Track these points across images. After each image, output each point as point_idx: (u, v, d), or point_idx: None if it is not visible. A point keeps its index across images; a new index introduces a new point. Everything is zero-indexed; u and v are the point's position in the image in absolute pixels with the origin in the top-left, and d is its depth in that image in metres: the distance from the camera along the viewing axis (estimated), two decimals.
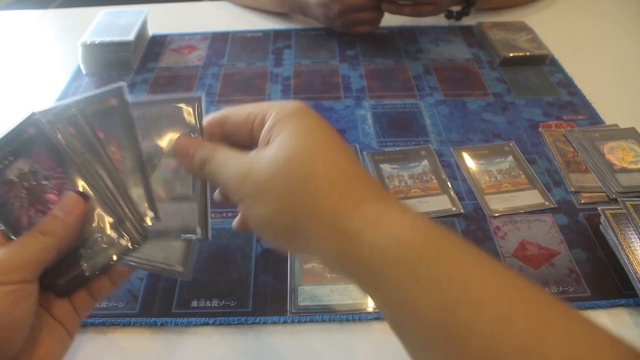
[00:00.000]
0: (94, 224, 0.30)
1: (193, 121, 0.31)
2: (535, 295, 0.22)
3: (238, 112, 0.31)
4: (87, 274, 0.30)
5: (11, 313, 0.26)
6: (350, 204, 0.25)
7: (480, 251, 0.24)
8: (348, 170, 0.26)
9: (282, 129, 0.27)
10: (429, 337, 0.23)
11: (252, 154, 0.28)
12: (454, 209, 0.44)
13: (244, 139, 0.30)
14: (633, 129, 0.50)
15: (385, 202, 0.25)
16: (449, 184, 0.46)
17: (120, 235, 0.30)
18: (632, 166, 0.46)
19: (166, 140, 0.31)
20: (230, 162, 0.28)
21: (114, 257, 0.30)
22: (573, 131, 0.51)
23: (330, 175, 0.25)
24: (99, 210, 0.30)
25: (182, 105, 0.31)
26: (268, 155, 0.26)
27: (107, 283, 0.31)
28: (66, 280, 0.30)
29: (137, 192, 0.31)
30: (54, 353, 0.29)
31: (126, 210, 0.30)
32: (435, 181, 0.46)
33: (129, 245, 0.30)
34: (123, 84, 0.31)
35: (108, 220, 0.30)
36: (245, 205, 0.27)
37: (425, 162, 0.48)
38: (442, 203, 0.44)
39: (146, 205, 0.31)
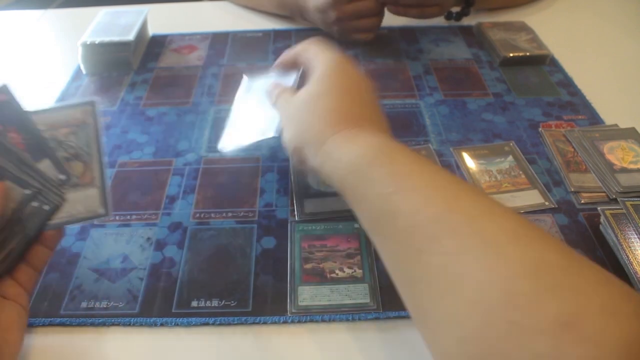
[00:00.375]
0: (14, 202, 0.33)
1: (89, 120, 0.37)
2: (458, 185, 0.28)
3: (305, 48, 0.43)
4: (19, 248, 0.32)
5: None
6: (335, 129, 0.34)
7: (426, 159, 0.31)
8: (345, 106, 0.36)
9: (316, 72, 0.39)
10: (375, 223, 0.30)
11: (295, 94, 0.39)
12: None
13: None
14: (633, 129, 0.50)
15: (365, 129, 0.34)
16: None
17: (42, 202, 0.33)
18: (632, 166, 0.46)
19: (64, 131, 0.36)
20: (286, 101, 0.40)
21: (43, 223, 0.33)
22: (573, 131, 0.51)
23: (330, 109, 0.36)
24: (15, 187, 0.33)
25: (78, 108, 0.37)
26: (303, 92, 0.38)
27: (43, 250, 0.34)
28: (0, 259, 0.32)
29: (44, 164, 0.34)
30: (12, 324, 0.32)
31: (39, 180, 0.34)
32: None
33: (50, 207, 0.34)
34: (4, 84, 0.34)
35: (26, 192, 0.33)
36: (283, 129, 0.39)
37: None
38: None
39: (56, 171, 0.35)
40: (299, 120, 0.37)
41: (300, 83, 0.42)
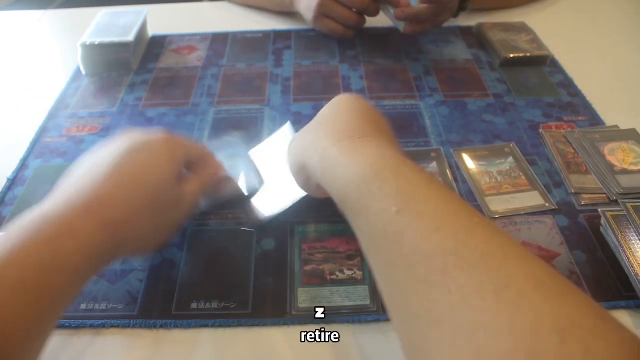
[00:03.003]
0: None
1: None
2: (467, 213, 0.26)
3: None
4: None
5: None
6: (337, 139, 0.33)
7: (434, 177, 0.29)
8: (348, 120, 0.35)
9: (327, 106, 0.39)
10: (374, 243, 0.28)
11: None
12: None
13: None
14: (634, 130, 0.50)
15: (368, 139, 0.32)
16: (454, 185, 0.46)
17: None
18: (633, 167, 0.46)
19: None
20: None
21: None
22: (573, 132, 0.51)
23: (333, 123, 0.35)
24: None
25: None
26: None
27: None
28: None
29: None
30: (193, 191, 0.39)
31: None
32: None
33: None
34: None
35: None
36: (288, 155, 0.39)
37: (434, 165, 0.48)
38: None
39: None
40: (302, 137, 0.37)
41: None
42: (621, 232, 0.39)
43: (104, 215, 0.31)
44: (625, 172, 0.46)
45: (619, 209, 0.41)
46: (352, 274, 0.38)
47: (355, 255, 0.40)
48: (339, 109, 0.37)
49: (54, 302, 0.28)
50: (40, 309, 0.27)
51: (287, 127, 0.48)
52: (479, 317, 0.21)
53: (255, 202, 0.44)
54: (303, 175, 0.37)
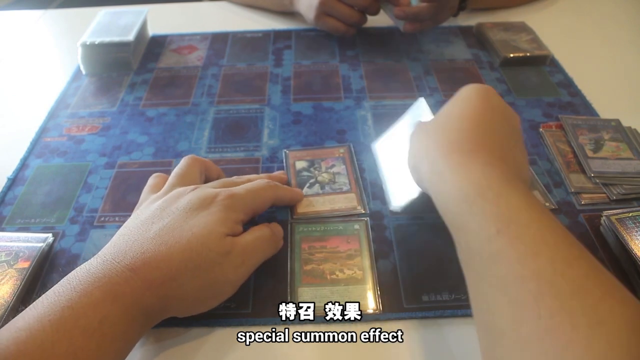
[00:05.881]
0: None
1: None
2: (569, 244, 0.26)
3: None
4: None
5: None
6: (445, 151, 0.33)
7: (537, 201, 0.29)
8: (458, 128, 0.35)
9: (453, 97, 0.38)
10: (471, 259, 0.28)
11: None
12: None
13: None
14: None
15: (474, 155, 0.32)
16: None
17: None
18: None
19: None
20: (417, 126, 0.40)
21: None
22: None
23: (443, 136, 0.35)
24: None
25: None
26: (430, 120, 0.39)
27: None
28: None
29: None
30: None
31: None
32: None
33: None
34: None
35: None
36: (408, 151, 0.39)
37: None
38: None
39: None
40: (419, 139, 0.37)
41: None
42: (621, 232, 0.39)
43: (147, 276, 0.30)
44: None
45: (619, 209, 0.41)
46: (352, 274, 0.38)
47: (355, 254, 0.40)
48: (461, 111, 0.36)
49: None
50: None
51: (422, 103, 0.47)
52: (570, 347, 0.21)
53: (387, 194, 0.45)
54: (416, 176, 0.37)
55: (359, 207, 0.44)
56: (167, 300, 0.31)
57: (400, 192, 0.43)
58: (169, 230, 0.32)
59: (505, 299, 0.25)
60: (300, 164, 0.49)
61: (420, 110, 0.46)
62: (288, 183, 0.47)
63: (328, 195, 0.45)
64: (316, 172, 0.48)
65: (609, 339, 0.21)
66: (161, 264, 0.31)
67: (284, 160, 0.49)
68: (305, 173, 0.48)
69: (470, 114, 0.35)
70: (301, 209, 0.44)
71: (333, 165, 0.49)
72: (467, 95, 0.37)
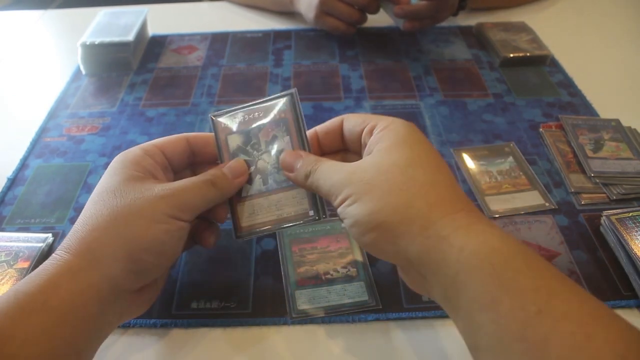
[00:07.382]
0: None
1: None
2: (615, 318, 0.22)
3: (355, 118, 0.35)
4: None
5: (174, 246, 0.31)
6: (443, 211, 0.27)
7: (559, 271, 0.25)
8: (443, 182, 0.29)
9: (387, 140, 0.30)
10: (505, 346, 0.23)
11: (355, 162, 0.31)
12: None
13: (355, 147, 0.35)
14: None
15: (475, 215, 0.27)
16: None
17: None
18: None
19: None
20: (333, 169, 0.31)
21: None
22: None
23: (427, 184, 0.28)
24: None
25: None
26: (372, 160, 0.30)
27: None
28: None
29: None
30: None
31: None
32: None
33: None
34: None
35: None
36: (345, 205, 0.29)
37: None
38: None
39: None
40: (386, 191, 0.28)
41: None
42: (621, 232, 0.39)
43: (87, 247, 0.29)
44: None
45: (619, 209, 0.41)
46: (347, 272, 0.38)
47: (347, 252, 0.40)
48: (421, 155, 0.30)
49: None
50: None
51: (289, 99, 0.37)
52: None
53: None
54: (383, 235, 0.28)
55: (311, 212, 0.33)
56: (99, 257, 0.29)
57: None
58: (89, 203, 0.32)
59: None
60: (233, 141, 0.36)
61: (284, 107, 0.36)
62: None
63: (274, 193, 0.34)
64: (255, 152, 0.35)
65: None
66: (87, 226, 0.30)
67: (214, 133, 0.37)
68: (241, 155, 0.35)
69: (428, 164, 0.29)
70: (245, 221, 0.35)
71: (274, 138, 0.35)
72: (409, 139, 0.30)
